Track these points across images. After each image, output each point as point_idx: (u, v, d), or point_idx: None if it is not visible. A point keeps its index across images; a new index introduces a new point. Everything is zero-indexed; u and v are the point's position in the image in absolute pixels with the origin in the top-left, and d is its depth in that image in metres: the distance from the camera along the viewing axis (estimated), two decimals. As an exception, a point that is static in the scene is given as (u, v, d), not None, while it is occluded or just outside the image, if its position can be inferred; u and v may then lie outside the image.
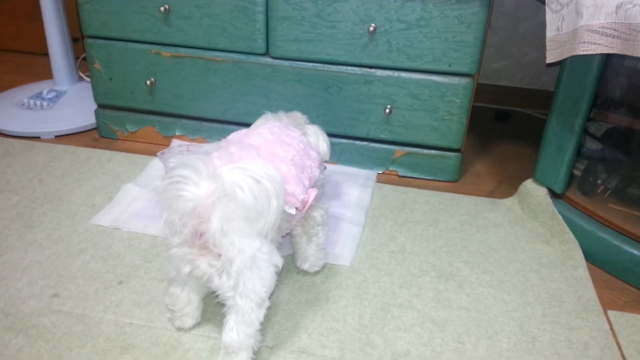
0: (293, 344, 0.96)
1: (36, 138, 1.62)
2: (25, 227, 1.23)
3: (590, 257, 1.19)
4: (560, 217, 1.24)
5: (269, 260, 0.85)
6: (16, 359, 0.90)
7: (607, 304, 1.09)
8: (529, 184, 1.33)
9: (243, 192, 0.77)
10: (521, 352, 0.96)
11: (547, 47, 1.11)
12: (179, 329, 0.97)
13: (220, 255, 0.81)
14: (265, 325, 0.99)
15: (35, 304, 1.02)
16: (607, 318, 1.05)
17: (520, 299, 1.08)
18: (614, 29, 0.98)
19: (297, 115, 1.17)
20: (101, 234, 1.21)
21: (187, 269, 0.85)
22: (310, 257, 1.09)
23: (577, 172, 1.30)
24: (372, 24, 1.32)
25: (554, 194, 1.28)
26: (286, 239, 1.13)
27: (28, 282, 1.07)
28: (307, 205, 0.97)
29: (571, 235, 1.22)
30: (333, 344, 0.96)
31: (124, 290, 1.06)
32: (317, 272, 1.12)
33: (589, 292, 1.11)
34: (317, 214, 1.07)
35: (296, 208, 0.93)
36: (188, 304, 0.94)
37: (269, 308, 0.89)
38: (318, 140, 1.14)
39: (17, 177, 1.41)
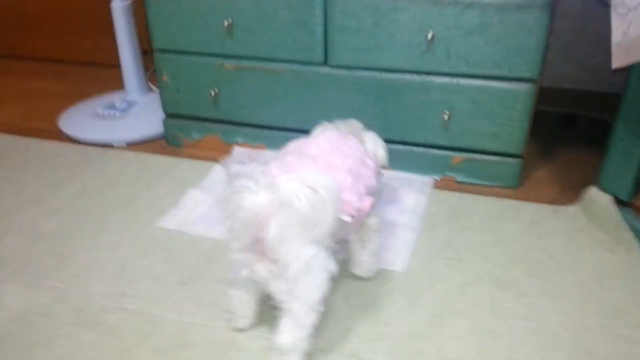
0: (344, 348, 0.97)
1: (109, 146, 1.73)
2: (98, 229, 1.31)
3: (659, 268, 1.14)
4: (626, 225, 1.19)
5: (323, 266, 0.87)
6: (86, 353, 0.97)
7: (676, 318, 1.04)
8: (593, 191, 1.29)
9: (300, 201, 0.79)
10: (579, 365, 0.93)
11: (613, 52, 1.07)
12: (236, 329, 1.01)
13: (277, 260, 0.84)
14: (317, 329, 1.01)
15: (105, 301, 1.09)
16: (676, 333, 1.00)
17: (579, 309, 1.05)
18: (682, 31, 0.94)
19: (354, 124, 1.18)
20: (166, 237, 1.28)
21: (245, 272, 0.89)
22: (364, 263, 1.11)
23: (645, 179, 1.24)
24: (431, 32, 1.32)
25: (619, 202, 1.23)
26: (341, 245, 1.14)
27: (99, 281, 1.14)
28: (364, 214, 0.99)
29: (637, 245, 1.17)
30: (384, 349, 0.97)
31: (186, 290, 1.12)
32: (370, 278, 1.13)
33: (656, 305, 1.06)
34: (371, 221, 1.08)
35: (351, 216, 0.94)
36: (246, 305, 0.98)
37: (322, 312, 0.91)
38: (375, 146, 1.16)
39: (92, 182, 1.51)
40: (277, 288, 0.87)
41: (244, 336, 1.00)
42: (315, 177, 0.82)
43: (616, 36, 1.04)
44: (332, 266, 0.89)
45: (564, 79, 1.88)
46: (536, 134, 1.75)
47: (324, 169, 0.93)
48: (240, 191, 0.80)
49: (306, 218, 0.81)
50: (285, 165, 0.86)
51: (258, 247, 0.85)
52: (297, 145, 1.03)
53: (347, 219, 0.93)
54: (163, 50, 1.60)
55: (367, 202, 0.99)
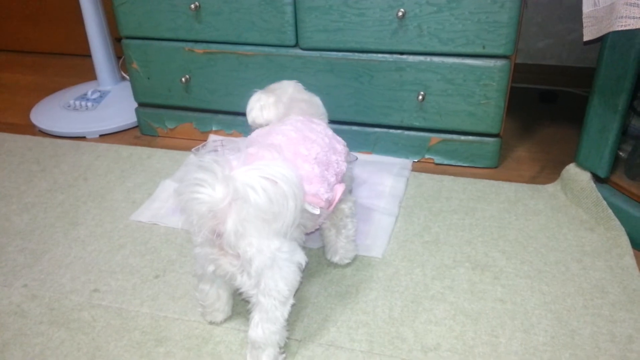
0: (322, 337, 0.96)
1: (82, 138, 1.68)
2: (70, 224, 1.28)
3: (637, 244, 1.13)
4: (605, 202, 1.18)
5: (290, 259, 0.85)
6: (58, 352, 0.95)
7: (656, 294, 1.03)
8: (571, 169, 1.27)
9: (256, 193, 0.76)
10: (559, 346, 0.92)
11: (584, 24, 1.05)
12: (211, 323, 0.99)
13: (239, 255, 0.81)
14: (294, 319, 0.99)
15: (77, 298, 1.06)
16: (655, 309, 0.99)
17: (559, 290, 1.04)
18: (655, 1, 0.91)
19: (287, 87, 1.14)
20: (140, 230, 1.25)
21: (210, 267, 0.87)
22: (340, 249, 1.09)
23: (623, 154, 1.23)
24: (401, 9, 1.28)
25: (598, 179, 1.22)
26: (316, 232, 1.12)
27: (71, 278, 1.12)
28: (334, 203, 0.96)
29: (617, 222, 1.15)
30: (362, 337, 0.95)
31: (159, 284, 1.09)
32: (347, 265, 1.11)
33: (635, 281, 1.05)
34: (345, 207, 1.06)
35: (321, 207, 0.92)
36: (218, 299, 0.96)
37: (294, 304, 0.89)
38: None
39: (63, 176, 1.47)
40: (242, 283, 0.85)
41: (220, 329, 0.98)
42: (274, 168, 0.79)
43: (586, 7, 1.02)
44: (300, 258, 0.87)
45: (542, 55, 1.86)
46: (515, 111, 1.73)
47: (289, 159, 0.90)
48: (195, 184, 0.77)
49: (265, 211, 0.78)
50: (246, 156, 0.83)
51: (218, 241, 0.82)
52: (262, 133, 1.00)
53: (316, 211, 0.90)
54: (131, 37, 1.55)
55: (339, 190, 0.97)
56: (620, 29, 0.95)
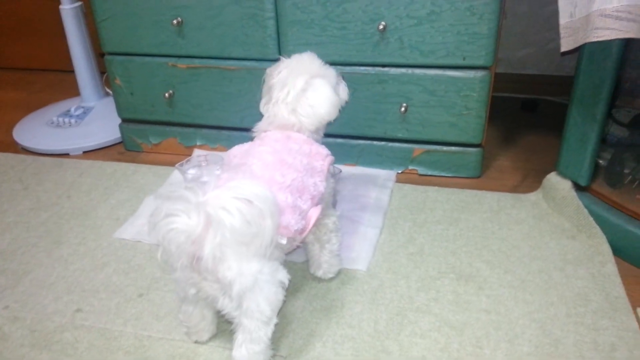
0: (307, 352, 0.95)
1: (65, 155, 1.67)
2: (53, 243, 1.27)
3: (619, 252, 1.14)
4: (586, 211, 1.19)
5: (271, 279, 0.84)
6: (40, 375, 0.94)
7: (638, 301, 1.04)
8: (552, 177, 1.28)
9: (232, 216, 0.76)
10: (543, 355, 0.93)
11: (561, 35, 1.06)
12: (196, 342, 0.98)
13: (219, 279, 0.81)
14: (279, 335, 0.99)
15: (60, 319, 1.05)
16: (637, 316, 1.00)
17: (543, 299, 1.04)
18: (629, 12, 0.93)
19: (309, 60, 1.10)
20: (124, 247, 1.24)
21: (192, 291, 0.86)
22: (323, 263, 1.09)
23: (603, 163, 1.24)
24: (382, 22, 1.30)
25: (579, 187, 1.23)
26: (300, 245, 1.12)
27: (54, 298, 1.10)
28: (308, 229, 0.95)
29: (598, 230, 1.16)
30: (347, 351, 0.95)
31: (143, 302, 1.08)
32: (332, 278, 1.11)
33: (617, 289, 1.06)
34: (329, 221, 1.06)
35: (289, 238, 0.91)
36: (202, 319, 0.95)
37: (277, 323, 0.88)
38: (338, 87, 1.12)
39: (46, 194, 1.46)
40: (224, 305, 0.84)
41: (205, 347, 0.98)
42: (247, 188, 0.79)
43: (563, 18, 1.03)
44: (282, 277, 0.86)
45: (523, 64, 1.88)
46: (497, 120, 1.75)
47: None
48: (169, 215, 0.76)
49: (241, 233, 0.78)
50: (219, 181, 0.83)
51: (197, 266, 0.81)
52: (239, 153, 0.99)
53: (283, 241, 0.89)
54: (113, 53, 1.55)
55: (313, 215, 0.95)
56: (595, 39, 0.96)
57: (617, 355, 0.92)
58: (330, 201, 1.07)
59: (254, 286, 0.81)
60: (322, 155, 1.03)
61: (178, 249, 0.78)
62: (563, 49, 1.06)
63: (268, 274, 0.83)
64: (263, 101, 1.11)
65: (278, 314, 0.87)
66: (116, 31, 1.50)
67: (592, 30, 0.98)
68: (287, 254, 0.98)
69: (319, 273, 1.09)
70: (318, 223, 1.04)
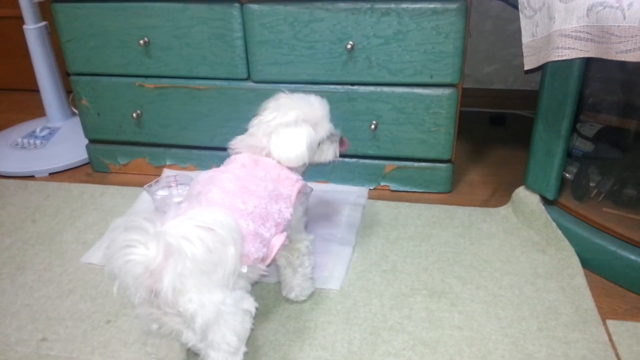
0: (280, 376, 0.94)
1: (30, 177, 1.63)
2: (17, 269, 1.23)
3: (587, 264, 1.16)
4: (554, 224, 1.21)
5: (235, 310, 0.81)
6: (2, 409, 0.90)
7: (606, 313, 1.05)
8: (521, 192, 1.30)
9: (192, 244, 0.74)
10: (515, 371, 0.93)
11: (524, 54, 1.08)
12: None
13: (180, 313, 0.78)
14: (252, 357, 0.97)
15: (24, 349, 1.02)
16: (606, 328, 1.01)
17: (515, 313, 1.05)
18: (587, 32, 0.95)
19: (318, 104, 1.07)
20: (91, 272, 1.21)
21: (154, 326, 0.83)
22: (296, 287, 1.07)
23: (569, 176, 1.27)
24: (350, 42, 1.31)
25: (546, 201, 1.25)
26: (273, 266, 1.11)
27: (17, 327, 1.07)
28: (270, 259, 0.93)
29: (567, 243, 1.18)
30: (321, 373, 0.94)
31: (111, 329, 1.05)
32: (305, 299, 1.10)
33: (587, 301, 1.07)
34: (301, 245, 1.04)
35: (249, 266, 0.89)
36: (171, 350, 0.92)
37: (247, 352, 0.86)
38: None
39: (10, 218, 1.42)
40: (189, 339, 0.81)
41: (175, 374, 0.95)
42: (208, 215, 0.77)
43: (525, 38, 1.06)
44: (248, 306, 0.84)
45: (490, 80, 1.92)
46: (466, 135, 1.77)
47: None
48: (126, 246, 0.73)
49: (203, 262, 0.75)
50: (179, 211, 0.81)
51: (157, 301, 0.78)
52: (203, 180, 0.95)
53: (244, 269, 0.86)
54: (79, 74, 1.52)
55: (277, 243, 0.93)
56: (557, 59, 0.98)
57: (588, 368, 0.93)
58: (301, 225, 1.06)
59: (217, 318, 0.78)
60: (291, 181, 1.00)
61: (135, 282, 0.75)
62: (526, 67, 1.08)
63: (231, 304, 0.80)
64: (253, 118, 1.08)
65: (250, 337, 0.86)
66: (82, 51, 1.48)
67: (553, 50, 1.00)
68: (254, 284, 0.95)
69: (291, 295, 1.08)
70: (290, 247, 1.03)
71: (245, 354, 0.85)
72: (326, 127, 1.07)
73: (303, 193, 1.04)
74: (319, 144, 1.06)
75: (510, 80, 1.91)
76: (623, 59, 0.90)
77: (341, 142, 1.13)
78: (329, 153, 1.10)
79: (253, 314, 0.85)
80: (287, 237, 0.98)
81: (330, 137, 1.09)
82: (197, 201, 0.89)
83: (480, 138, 1.77)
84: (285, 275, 1.07)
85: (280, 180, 0.99)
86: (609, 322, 1.03)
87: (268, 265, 0.95)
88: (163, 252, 0.73)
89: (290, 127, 1.01)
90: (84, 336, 1.04)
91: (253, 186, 0.93)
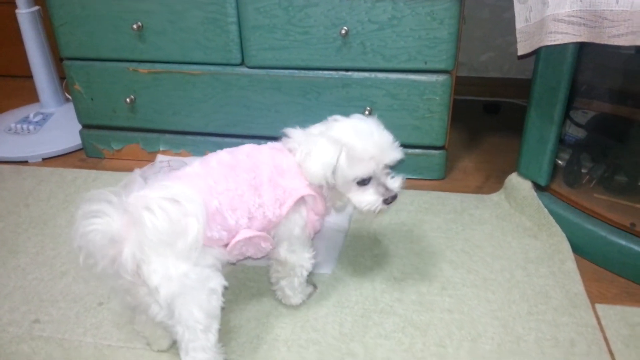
0: (272, 357, 0.95)
1: (24, 162, 1.63)
2: (10, 252, 1.23)
3: (578, 249, 1.16)
4: (546, 210, 1.21)
5: (201, 286, 0.81)
6: (-6, 389, 0.90)
7: (596, 297, 1.06)
8: (514, 178, 1.31)
9: (153, 214, 0.74)
10: (505, 353, 0.94)
11: (518, 39, 1.08)
12: (158, 351, 0.96)
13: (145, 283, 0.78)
14: (244, 340, 0.98)
15: (16, 330, 1.02)
16: (595, 312, 1.02)
17: (505, 297, 1.06)
18: (580, 17, 0.95)
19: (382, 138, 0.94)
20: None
21: (128, 298, 0.83)
22: (278, 291, 1.04)
23: (561, 163, 1.27)
24: (344, 27, 1.30)
25: (538, 187, 1.25)
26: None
27: (10, 309, 1.07)
28: (231, 246, 0.88)
29: (558, 229, 1.19)
30: (313, 355, 0.95)
31: (104, 311, 1.06)
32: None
33: (577, 286, 1.08)
34: (290, 258, 0.98)
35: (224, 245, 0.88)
36: (157, 327, 0.92)
37: (220, 328, 0.86)
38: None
39: (3, 203, 1.42)
40: (156, 313, 0.81)
41: (167, 355, 0.96)
42: (175, 188, 0.78)
43: (519, 23, 1.06)
44: (215, 284, 0.83)
45: (485, 68, 1.92)
46: (461, 123, 1.77)
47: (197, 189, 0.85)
48: (90, 216, 0.74)
49: (164, 232, 0.75)
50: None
51: (119, 269, 0.77)
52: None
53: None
54: (72, 58, 1.51)
55: (244, 234, 0.88)
56: (549, 43, 0.99)
57: (576, 351, 0.94)
58: (296, 243, 0.97)
59: (182, 291, 0.79)
60: (294, 189, 0.92)
61: (98, 251, 0.76)
62: (520, 52, 1.08)
63: (196, 280, 0.80)
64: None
65: (242, 318, 0.86)
66: (74, 36, 1.47)
67: (547, 35, 1.00)
68: (229, 264, 0.93)
69: (284, 301, 1.05)
70: (281, 260, 0.99)
71: (241, 327, 0.85)
72: (367, 169, 0.91)
73: (306, 209, 0.95)
74: (358, 182, 0.92)
75: (505, 69, 1.91)
76: (615, 43, 0.90)
77: (388, 199, 0.94)
78: (364, 201, 0.93)
79: (220, 292, 0.84)
80: (270, 242, 0.94)
81: (377, 185, 0.93)
82: (174, 175, 0.89)
83: (475, 126, 1.77)
84: (278, 280, 1.03)
85: (284, 181, 0.92)
86: (598, 306, 1.04)
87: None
88: (125, 222, 0.74)
89: (324, 145, 0.91)
90: (76, 318, 1.04)
91: (239, 174, 0.90)
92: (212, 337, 0.84)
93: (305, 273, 1.01)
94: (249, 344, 0.97)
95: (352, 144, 0.91)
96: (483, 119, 1.83)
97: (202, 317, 0.81)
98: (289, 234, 0.96)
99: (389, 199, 0.94)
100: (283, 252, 0.98)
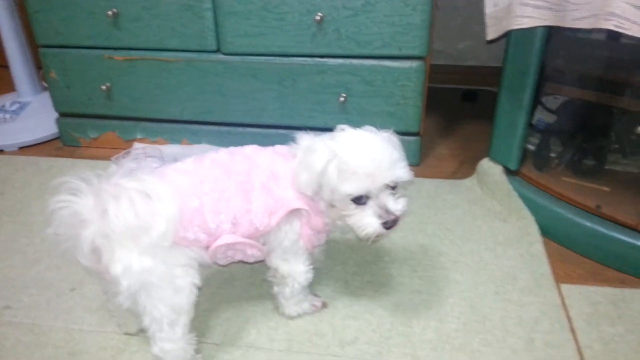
0: (241, 339, 0.96)
1: (0, 151, 1.62)
2: (-17, 240, 1.23)
3: (546, 232, 1.18)
4: (515, 194, 1.23)
5: (167, 284, 0.80)
6: (-37, 373, 0.91)
7: (562, 278, 1.08)
8: (485, 163, 1.32)
9: (119, 205, 0.74)
10: (470, 331, 0.96)
11: (487, 24, 1.10)
12: (126, 334, 0.97)
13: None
14: (214, 323, 0.99)
15: (-13, 316, 1.02)
16: (560, 292, 1.04)
17: (473, 278, 1.08)
18: (545, 1, 0.97)
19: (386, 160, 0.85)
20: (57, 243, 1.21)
21: (103, 283, 0.84)
22: (281, 306, 0.99)
23: (532, 147, 1.29)
24: (319, 13, 1.31)
25: (509, 171, 1.27)
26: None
27: (-19, 296, 1.07)
28: (212, 249, 0.85)
29: (527, 212, 1.21)
30: (281, 336, 0.96)
31: (75, 297, 1.06)
32: (269, 268, 1.01)
33: (543, 267, 1.10)
34: (282, 268, 0.93)
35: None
36: (128, 310, 0.92)
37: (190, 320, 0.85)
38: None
39: (-22, 191, 1.41)
40: (123, 302, 0.80)
41: (137, 339, 0.96)
42: (152, 184, 0.77)
43: (488, 8, 1.07)
44: (183, 283, 0.81)
45: (463, 56, 1.93)
46: (438, 111, 1.78)
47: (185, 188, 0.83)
48: (67, 192, 0.75)
49: (125, 225, 0.74)
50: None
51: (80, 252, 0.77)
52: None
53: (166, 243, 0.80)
54: (48, 46, 1.51)
55: (226, 239, 0.85)
56: (516, 27, 1.00)
57: (539, 329, 0.96)
58: (288, 249, 0.91)
59: (144, 287, 0.78)
60: (285, 199, 0.86)
61: (65, 227, 0.76)
62: (489, 37, 1.10)
63: (160, 277, 0.79)
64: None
65: (214, 302, 0.85)
66: (50, 23, 1.46)
67: (514, 18, 1.01)
68: (212, 265, 0.90)
69: (280, 310, 1.00)
70: (275, 271, 0.94)
71: (212, 311, 0.85)
72: (361, 186, 0.82)
73: (299, 221, 0.89)
74: (353, 200, 0.84)
75: (483, 57, 1.92)
76: (578, 26, 0.92)
77: (388, 222, 0.84)
78: (361, 223, 0.85)
79: (189, 290, 0.82)
80: (258, 249, 0.89)
81: (376, 206, 0.84)
82: (162, 169, 0.87)
83: (452, 114, 1.79)
84: (275, 286, 0.97)
85: (278, 189, 0.86)
86: (563, 286, 1.06)
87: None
88: (95, 206, 0.75)
89: (315, 146, 0.85)
90: (47, 303, 1.05)
91: (228, 174, 0.85)
92: (180, 330, 0.83)
93: (297, 286, 0.94)
94: (219, 327, 0.98)
95: (346, 156, 0.82)
96: (461, 107, 1.84)
97: (167, 312, 0.81)
98: (278, 244, 0.90)
99: (389, 223, 0.84)
100: (275, 259, 0.93)
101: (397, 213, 0.85)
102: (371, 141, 0.86)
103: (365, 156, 0.83)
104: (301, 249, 0.92)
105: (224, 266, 0.98)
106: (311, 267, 0.95)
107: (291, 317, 0.99)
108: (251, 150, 0.92)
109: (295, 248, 0.91)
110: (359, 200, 0.84)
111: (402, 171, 0.85)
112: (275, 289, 0.97)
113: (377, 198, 0.84)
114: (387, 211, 0.84)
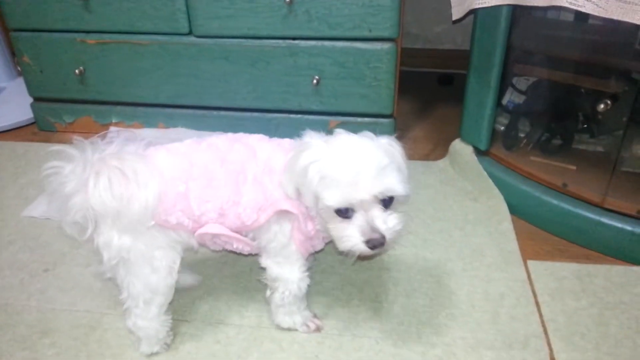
0: (212, 316, 0.97)
1: (-26, 137, 1.61)
2: (-44, 224, 1.23)
3: (515, 210, 1.21)
4: (485, 173, 1.25)
5: (144, 262, 0.81)
6: None
7: (529, 255, 1.11)
8: (457, 144, 1.34)
9: (98, 183, 0.75)
10: (437, 306, 0.98)
11: (452, 4, 1.11)
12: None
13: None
14: (186, 301, 1.00)
15: (-41, 298, 1.03)
16: (526, 268, 1.07)
17: (441, 256, 1.10)
18: (509, -20, 0.98)
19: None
20: (32, 225, 1.22)
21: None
22: (272, 313, 0.94)
23: (501, 128, 1.31)
24: (290, -5, 1.31)
25: (479, 151, 1.29)
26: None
27: (-47, 278, 1.07)
28: (196, 234, 0.84)
29: (497, 191, 1.23)
30: (252, 313, 0.97)
31: (49, 277, 1.07)
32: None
33: (511, 244, 1.13)
34: (272, 270, 0.88)
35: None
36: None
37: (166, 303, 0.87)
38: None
39: (-49, 176, 1.41)
40: (104, 270, 0.84)
41: (109, 317, 0.97)
42: (135, 165, 0.77)
43: (453, -12, 1.08)
44: (163, 264, 0.82)
45: (439, 40, 1.94)
46: (414, 94, 1.80)
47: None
48: (57, 156, 0.78)
49: (103, 203, 0.75)
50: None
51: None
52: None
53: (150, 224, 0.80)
54: (19, 29, 1.50)
55: (212, 228, 0.82)
56: (478, 6, 1.01)
57: (505, 303, 0.98)
58: (277, 251, 0.86)
59: (122, 262, 0.81)
60: (273, 198, 0.81)
61: (52, 192, 0.78)
62: (454, 17, 1.11)
63: (138, 256, 0.80)
64: None
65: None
66: (20, 6, 1.45)
67: (478, -2, 1.03)
68: (191, 250, 0.89)
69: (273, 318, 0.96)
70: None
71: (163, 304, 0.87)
72: (342, 197, 0.74)
73: (290, 224, 0.84)
74: (336, 211, 0.77)
75: (459, 41, 1.93)
76: (534, 4, 0.93)
77: (371, 242, 0.76)
78: (341, 237, 0.77)
79: (167, 272, 0.83)
80: (246, 244, 0.87)
81: (362, 221, 0.76)
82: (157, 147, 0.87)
83: (427, 97, 1.80)
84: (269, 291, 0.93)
85: (271, 184, 0.82)
86: (530, 262, 1.08)
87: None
88: (81, 176, 0.76)
89: (305, 145, 0.80)
90: (20, 284, 1.05)
91: (222, 161, 0.82)
92: (155, 309, 0.85)
93: (288, 294, 0.88)
94: (191, 304, 0.99)
95: (328, 162, 0.75)
96: (436, 91, 1.86)
97: (143, 290, 0.83)
98: (268, 243, 0.85)
99: (373, 242, 0.75)
100: (266, 259, 0.88)
101: (385, 233, 0.75)
102: (360, 147, 0.77)
103: (349, 164, 0.74)
104: (294, 254, 0.86)
105: (216, 252, 0.97)
106: (307, 274, 0.88)
107: (279, 327, 0.93)
108: (255, 139, 0.87)
109: (286, 252, 0.86)
110: (344, 212, 0.76)
111: (391, 182, 0.75)
112: (267, 292, 0.92)
113: (366, 213, 0.76)
114: (373, 229, 0.75)
